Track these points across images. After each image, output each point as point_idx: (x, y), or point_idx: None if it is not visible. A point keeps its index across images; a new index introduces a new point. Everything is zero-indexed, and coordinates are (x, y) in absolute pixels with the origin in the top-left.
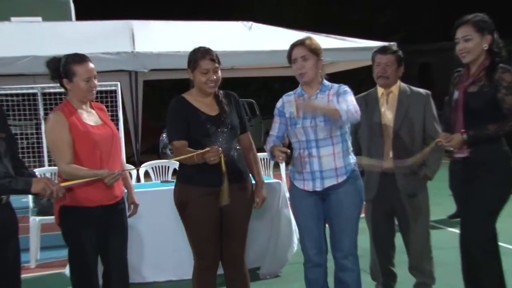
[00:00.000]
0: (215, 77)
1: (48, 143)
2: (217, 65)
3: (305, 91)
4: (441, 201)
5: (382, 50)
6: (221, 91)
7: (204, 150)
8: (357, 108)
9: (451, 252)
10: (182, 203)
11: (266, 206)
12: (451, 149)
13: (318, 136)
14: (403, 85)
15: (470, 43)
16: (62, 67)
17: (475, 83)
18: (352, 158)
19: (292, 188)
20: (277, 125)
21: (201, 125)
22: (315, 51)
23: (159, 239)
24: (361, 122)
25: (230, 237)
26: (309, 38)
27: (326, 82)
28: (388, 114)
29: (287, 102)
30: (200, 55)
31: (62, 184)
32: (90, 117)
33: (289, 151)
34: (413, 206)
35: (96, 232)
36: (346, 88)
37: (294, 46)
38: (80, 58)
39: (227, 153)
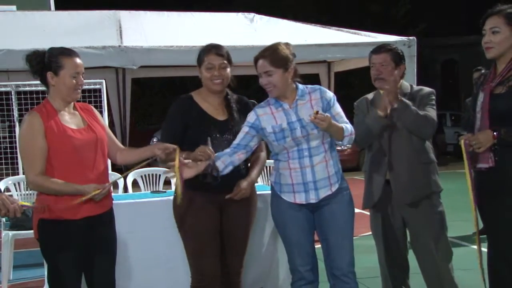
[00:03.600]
0: (219, 73)
1: (19, 148)
2: (225, 61)
3: (281, 100)
4: (467, 216)
5: (375, 50)
6: (234, 95)
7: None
8: (352, 129)
9: (477, 273)
10: (182, 212)
11: (268, 219)
12: (478, 148)
13: (311, 144)
14: (406, 84)
15: (497, 36)
16: (48, 59)
17: (503, 84)
18: (340, 165)
19: (276, 201)
20: (242, 135)
21: (205, 129)
22: (280, 64)
23: (150, 257)
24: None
25: (229, 251)
26: (273, 48)
27: (300, 86)
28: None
29: (263, 115)
30: (207, 49)
31: (23, 203)
32: (72, 119)
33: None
34: (419, 218)
35: (81, 249)
36: (330, 92)
37: (256, 59)
38: (69, 51)
39: None
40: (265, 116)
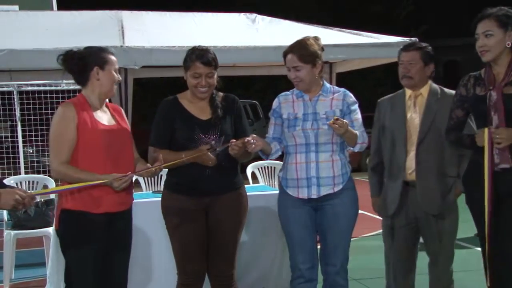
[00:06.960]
0: (205, 83)
1: (50, 136)
2: (212, 70)
3: (305, 92)
4: (468, 217)
5: (405, 47)
6: (220, 94)
7: (194, 154)
8: (366, 137)
9: (479, 275)
10: (167, 213)
11: (270, 221)
12: (498, 143)
13: (319, 139)
14: (435, 86)
15: (491, 39)
16: (94, 55)
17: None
18: (349, 167)
19: (282, 196)
20: (272, 127)
21: (188, 130)
22: (309, 60)
23: (151, 257)
24: (385, 130)
25: (216, 252)
26: (302, 44)
27: (326, 84)
28: (415, 120)
29: (285, 102)
30: (194, 56)
31: (36, 193)
32: (104, 115)
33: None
34: (437, 228)
35: (99, 243)
36: (353, 98)
37: (286, 53)
38: (107, 49)
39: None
40: (285, 104)
